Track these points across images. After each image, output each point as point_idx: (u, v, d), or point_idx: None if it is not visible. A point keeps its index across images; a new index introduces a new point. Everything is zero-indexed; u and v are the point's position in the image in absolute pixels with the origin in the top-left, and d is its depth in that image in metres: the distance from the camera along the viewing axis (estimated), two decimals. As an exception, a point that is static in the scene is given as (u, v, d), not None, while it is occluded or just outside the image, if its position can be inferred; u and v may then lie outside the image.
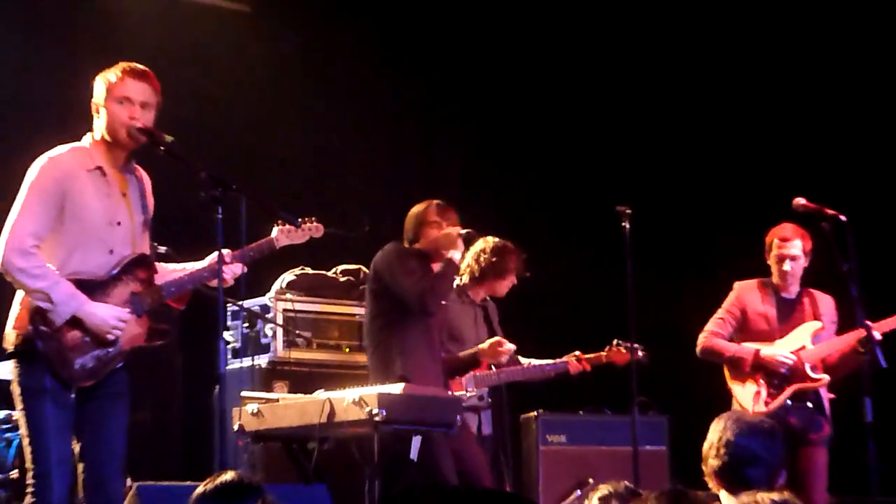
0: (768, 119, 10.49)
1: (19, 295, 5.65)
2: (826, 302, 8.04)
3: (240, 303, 8.53)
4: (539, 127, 11.04)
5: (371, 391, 6.59)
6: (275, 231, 6.44)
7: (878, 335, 7.58)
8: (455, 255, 7.44)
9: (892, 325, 7.76)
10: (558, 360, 8.24)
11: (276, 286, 9.08)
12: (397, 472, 6.92)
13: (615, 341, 8.20)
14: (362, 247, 7.77)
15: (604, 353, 8.27)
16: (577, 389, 8.55)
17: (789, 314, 7.99)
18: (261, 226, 6.43)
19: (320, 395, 6.86)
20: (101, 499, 5.62)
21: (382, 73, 10.79)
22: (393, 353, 7.35)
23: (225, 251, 5.84)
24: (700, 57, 10.80)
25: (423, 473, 7.05)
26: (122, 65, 5.85)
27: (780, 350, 7.83)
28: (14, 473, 7.31)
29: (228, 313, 8.67)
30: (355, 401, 6.52)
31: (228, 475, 3.98)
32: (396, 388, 6.72)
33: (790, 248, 7.88)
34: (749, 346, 7.91)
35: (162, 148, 5.78)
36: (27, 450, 5.57)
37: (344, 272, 9.31)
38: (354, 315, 8.96)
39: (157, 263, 6.02)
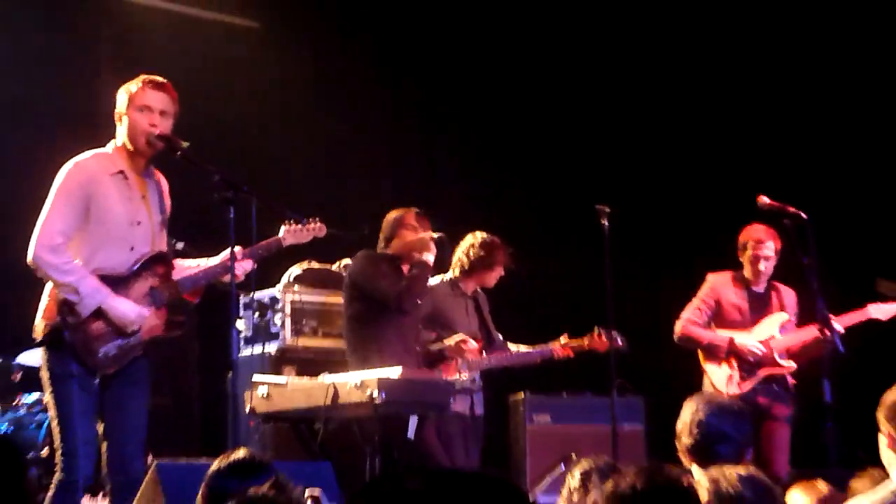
0: (734, 124, 10.47)
1: (47, 288, 5.65)
2: (790, 295, 8.13)
3: (251, 295, 8.53)
4: (529, 132, 11.03)
5: (371, 375, 6.59)
6: (282, 231, 6.46)
7: (840, 329, 7.62)
8: (428, 257, 7.45)
9: (854, 321, 7.84)
10: (544, 347, 8.24)
11: (284, 279, 9.07)
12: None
13: (596, 329, 8.19)
14: (363, 245, 7.76)
15: (585, 341, 8.26)
16: (561, 373, 8.54)
17: (759, 306, 8.07)
18: (269, 226, 6.43)
19: (325, 379, 6.85)
20: (123, 476, 5.62)
21: (380, 83, 10.77)
22: (370, 351, 7.34)
23: (236, 249, 5.84)
24: (671, 68, 10.77)
25: (416, 456, 7.09)
26: (143, 76, 5.86)
27: (752, 339, 7.92)
28: (44, 452, 7.30)
29: (240, 305, 8.66)
30: (357, 385, 6.52)
31: (241, 453, 3.96)
32: (395, 373, 6.72)
33: (765, 250, 7.96)
34: (724, 334, 8.00)
35: (179, 153, 5.80)
36: (55, 430, 5.59)
37: (346, 266, 9.30)
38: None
39: (173, 260, 6.02)
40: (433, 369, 7.68)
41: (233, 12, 10.86)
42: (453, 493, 1.69)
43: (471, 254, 8.09)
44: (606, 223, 7.62)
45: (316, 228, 6.66)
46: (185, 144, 5.80)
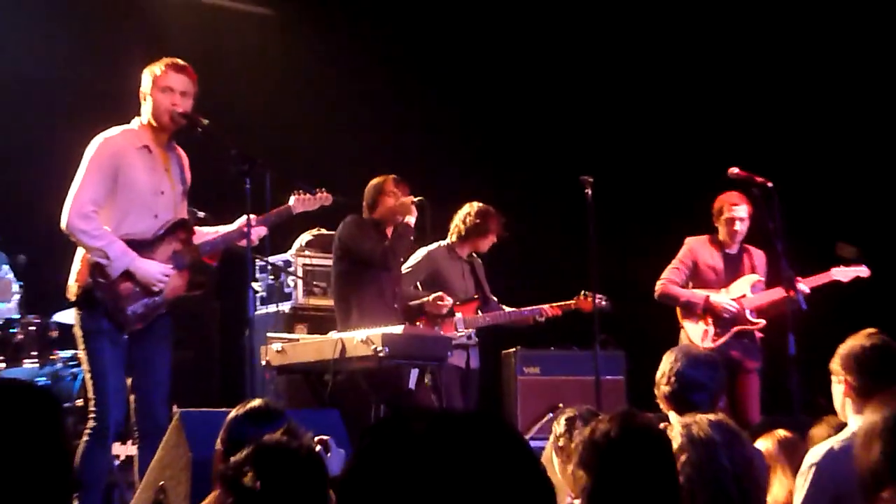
0: (706, 100, 10.43)
1: (79, 253, 5.65)
2: (760, 256, 8.13)
3: (266, 258, 8.51)
4: (520, 113, 11.00)
5: (376, 332, 6.60)
6: (292, 200, 6.47)
7: (806, 290, 7.66)
8: (410, 219, 7.45)
9: (819, 282, 7.88)
10: (535, 307, 8.24)
11: (296, 244, 9.06)
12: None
13: (583, 292, 8.19)
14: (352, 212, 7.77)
15: (573, 302, 8.28)
16: (549, 330, 8.53)
17: (732, 267, 8.07)
18: (282, 196, 6.43)
19: (333, 335, 6.85)
20: (150, 423, 5.64)
21: (383, 67, 10.72)
22: (351, 306, 7.37)
23: (251, 216, 5.84)
24: (648, 50, 10.73)
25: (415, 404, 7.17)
26: (165, 60, 5.86)
27: (726, 298, 7.92)
28: (79, 402, 7.29)
29: (256, 267, 8.63)
30: (363, 340, 6.53)
31: (256, 401, 3.96)
32: (398, 329, 6.72)
33: (740, 212, 7.95)
34: (700, 293, 8.00)
35: (199, 129, 5.80)
36: (88, 382, 5.59)
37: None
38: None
39: (194, 226, 6.02)
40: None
41: (248, 0, 10.80)
42: (454, 432, 1.68)
43: (467, 221, 8.11)
44: (590, 192, 7.61)
45: (323, 198, 6.67)
46: (205, 122, 5.80)
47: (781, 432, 4.56)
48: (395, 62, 10.70)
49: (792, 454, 4.42)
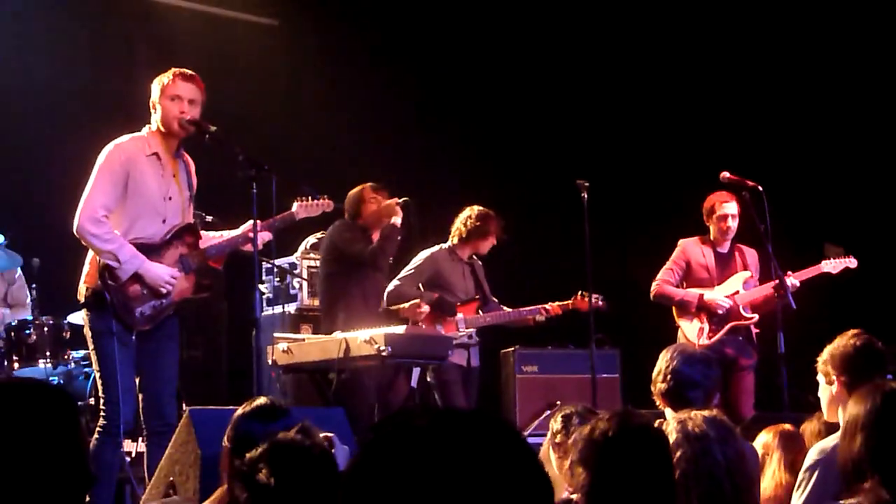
0: (698, 107, 10.44)
1: (89, 256, 5.65)
2: (752, 254, 8.10)
3: (272, 261, 8.51)
4: (519, 120, 11.01)
5: (379, 332, 6.59)
6: (295, 206, 6.50)
7: (796, 283, 7.67)
8: (396, 220, 7.51)
9: (809, 275, 7.86)
10: (535, 307, 8.24)
11: (301, 247, 9.07)
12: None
13: (580, 292, 8.19)
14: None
15: (570, 302, 8.28)
16: (547, 330, 8.53)
17: (724, 265, 8.05)
18: (287, 201, 6.44)
19: (338, 335, 6.84)
20: (158, 420, 5.64)
21: (384, 74, 10.73)
22: (338, 307, 7.47)
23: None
24: (641, 55, 10.74)
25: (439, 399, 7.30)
26: (173, 69, 5.86)
27: (719, 295, 7.90)
28: (91, 401, 7.30)
29: (263, 270, 8.64)
30: (366, 340, 6.52)
31: (262, 399, 3.95)
32: (400, 329, 6.72)
33: (730, 209, 7.92)
34: (694, 291, 7.97)
35: (207, 136, 5.79)
36: (98, 382, 5.61)
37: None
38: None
39: (200, 231, 6.02)
40: (447, 321, 7.74)
41: (253, 11, 10.81)
42: (456, 429, 1.68)
43: (468, 224, 8.11)
44: (585, 196, 7.61)
45: (325, 204, 6.72)
46: (213, 128, 5.79)
47: (785, 426, 4.57)
48: (397, 70, 10.70)
49: (790, 448, 4.42)
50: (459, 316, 7.92)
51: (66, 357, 7.73)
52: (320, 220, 7.07)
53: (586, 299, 8.05)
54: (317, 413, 5.72)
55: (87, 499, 4.86)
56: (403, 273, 8.02)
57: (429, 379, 7.74)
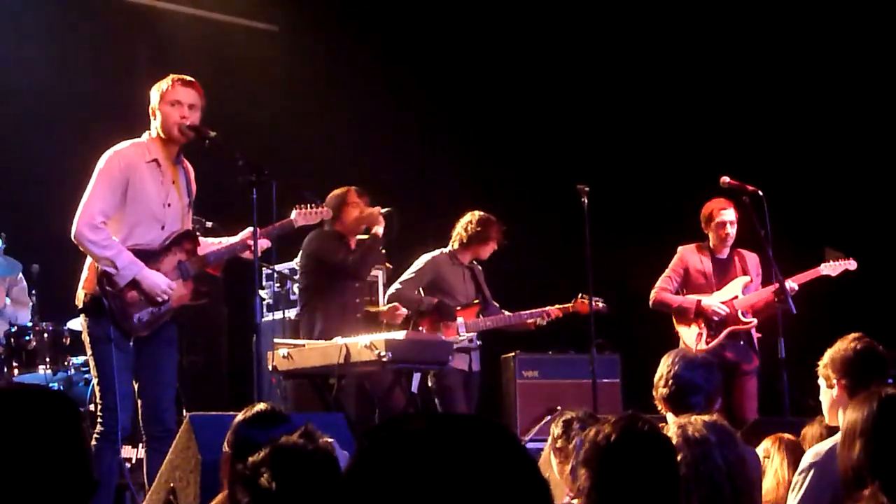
0: (698, 112, 10.44)
1: (87, 262, 5.65)
2: (752, 259, 8.09)
3: (272, 267, 8.51)
4: (521, 126, 11.02)
5: (379, 337, 6.59)
6: (293, 213, 6.50)
7: (794, 286, 7.66)
8: (378, 230, 7.51)
9: (808, 277, 7.85)
10: (534, 311, 8.24)
11: (301, 253, 9.04)
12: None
13: (580, 295, 8.19)
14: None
15: (570, 305, 8.28)
16: (547, 334, 8.53)
17: (723, 271, 8.05)
18: (288, 207, 6.45)
19: (338, 340, 6.84)
20: (158, 427, 5.64)
21: (383, 80, 10.74)
22: (317, 316, 7.50)
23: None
24: (640, 60, 10.75)
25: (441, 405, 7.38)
26: (173, 75, 5.86)
27: (717, 300, 7.89)
28: (91, 407, 7.30)
29: (263, 275, 8.64)
30: (367, 345, 6.51)
31: (261, 405, 3.95)
32: (400, 335, 6.72)
33: (728, 216, 7.93)
34: (692, 298, 7.98)
35: (207, 141, 5.78)
36: (97, 387, 5.61)
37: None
38: (366, 276, 8.92)
39: (199, 237, 6.03)
40: (448, 326, 7.75)
41: (253, 17, 10.82)
42: (452, 433, 1.68)
43: (469, 228, 8.11)
44: (586, 201, 7.62)
45: (323, 212, 6.72)
46: (213, 133, 5.79)
47: (786, 436, 4.59)
48: (396, 75, 10.71)
49: (792, 451, 4.43)
50: (460, 320, 7.93)
51: (65, 363, 7.73)
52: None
53: (587, 302, 8.06)
54: (317, 418, 5.73)
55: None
56: (404, 277, 8.03)
57: (430, 384, 7.76)
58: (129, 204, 5.64)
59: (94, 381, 5.60)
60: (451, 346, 7.24)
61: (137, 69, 9.42)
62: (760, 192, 7.56)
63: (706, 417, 3.53)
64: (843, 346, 4.30)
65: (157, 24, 10.24)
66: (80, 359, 7.67)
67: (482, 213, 8.16)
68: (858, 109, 10.02)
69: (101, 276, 5.55)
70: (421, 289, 8.01)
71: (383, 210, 7.55)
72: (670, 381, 4.55)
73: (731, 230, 7.95)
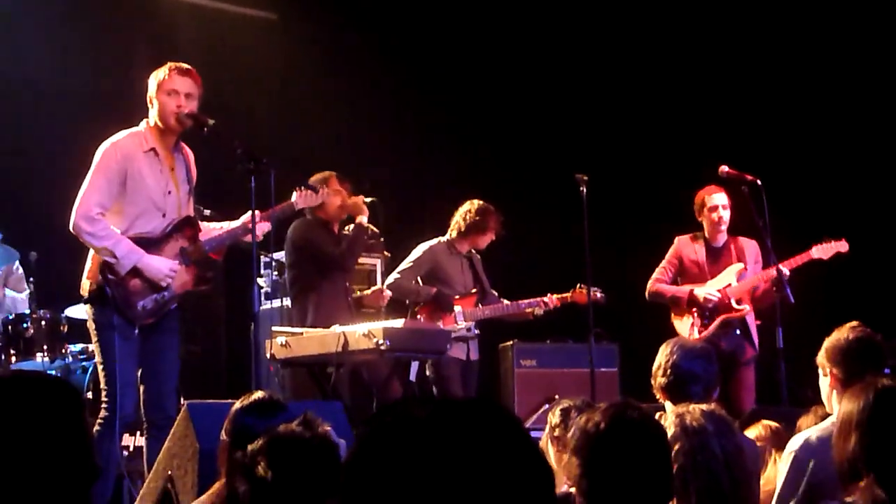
0: (696, 101, 10.44)
1: (90, 252, 5.67)
2: (750, 245, 8.05)
3: (270, 255, 8.50)
4: (519, 115, 11.02)
5: (377, 325, 6.59)
6: (294, 196, 6.48)
7: (786, 271, 7.62)
8: (363, 219, 7.49)
9: (800, 262, 7.80)
10: (532, 300, 8.24)
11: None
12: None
13: (578, 285, 8.20)
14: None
15: (569, 294, 8.28)
16: (546, 323, 8.54)
17: (717, 259, 8.03)
18: (285, 194, 6.44)
19: (336, 329, 6.84)
20: (159, 413, 5.66)
21: (382, 70, 10.72)
22: (308, 306, 7.45)
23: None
24: (639, 49, 10.75)
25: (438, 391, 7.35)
26: (170, 64, 5.86)
27: (709, 288, 7.88)
28: (88, 395, 7.30)
29: (261, 263, 8.63)
30: (364, 333, 6.51)
31: (259, 394, 3.96)
32: (398, 323, 6.72)
33: (719, 199, 7.91)
34: (685, 287, 7.97)
35: (205, 129, 5.78)
36: (101, 374, 5.63)
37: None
38: (364, 264, 8.91)
39: (200, 223, 6.03)
40: (447, 315, 7.73)
41: (252, 5, 10.81)
42: (455, 417, 1.68)
43: (467, 218, 8.11)
44: (584, 190, 7.62)
45: (324, 195, 6.68)
46: (211, 121, 5.79)
47: (767, 422, 4.59)
48: (395, 64, 10.70)
49: (780, 442, 4.44)
50: (458, 309, 7.94)
51: (63, 351, 7.73)
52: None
53: (585, 292, 8.07)
54: (315, 407, 5.73)
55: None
56: (402, 266, 8.03)
57: (427, 373, 7.77)
58: (130, 195, 5.66)
59: (99, 368, 5.63)
60: (449, 336, 7.25)
61: (136, 58, 9.39)
62: (759, 182, 7.54)
63: (704, 407, 3.53)
64: (839, 335, 4.30)
65: (155, 12, 10.22)
66: (78, 346, 7.68)
67: (481, 202, 8.16)
68: (856, 98, 10.02)
69: (103, 266, 5.57)
70: (419, 278, 8.02)
71: (367, 199, 7.53)
72: (669, 371, 4.55)
73: (724, 213, 7.91)
